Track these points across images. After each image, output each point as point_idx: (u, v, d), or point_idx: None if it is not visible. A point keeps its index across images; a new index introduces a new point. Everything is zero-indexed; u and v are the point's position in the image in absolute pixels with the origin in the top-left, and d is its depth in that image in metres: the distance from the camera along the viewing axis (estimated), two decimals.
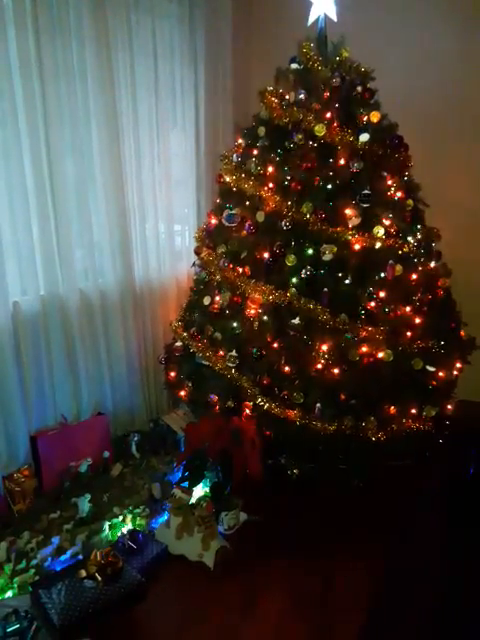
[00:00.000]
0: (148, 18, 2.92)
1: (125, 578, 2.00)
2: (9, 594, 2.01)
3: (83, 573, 1.95)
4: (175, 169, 3.28)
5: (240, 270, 2.60)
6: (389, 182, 2.50)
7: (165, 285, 3.30)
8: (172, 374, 2.97)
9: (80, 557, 2.15)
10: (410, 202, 2.56)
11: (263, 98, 2.66)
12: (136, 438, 2.91)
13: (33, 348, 2.62)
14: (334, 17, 2.57)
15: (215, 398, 2.65)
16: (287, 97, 2.57)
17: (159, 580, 2.13)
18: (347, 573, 2.18)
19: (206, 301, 2.79)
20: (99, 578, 1.94)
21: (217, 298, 2.72)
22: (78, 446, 2.71)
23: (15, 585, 2.03)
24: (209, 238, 2.85)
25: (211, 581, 2.13)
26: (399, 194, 2.50)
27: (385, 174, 2.51)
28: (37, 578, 2.06)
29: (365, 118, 2.48)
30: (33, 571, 2.08)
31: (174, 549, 2.25)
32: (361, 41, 2.61)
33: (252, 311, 2.55)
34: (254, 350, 2.50)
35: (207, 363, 2.70)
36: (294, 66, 2.62)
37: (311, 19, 2.63)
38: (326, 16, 2.60)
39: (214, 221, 2.83)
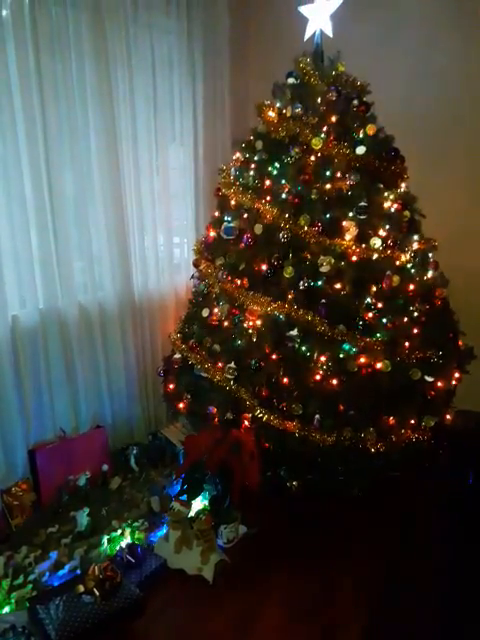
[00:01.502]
0: (146, 33, 2.96)
1: (123, 593, 1.98)
2: (6, 610, 1.99)
3: (81, 588, 1.93)
4: (174, 182, 3.31)
5: (238, 282, 2.61)
6: (385, 194, 2.51)
7: (164, 297, 3.31)
8: (171, 386, 2.96)
9: (78, 572, 2.14)
10: (407, 213, 2.58)
11: (260, 112, 2.68)
12: (135, 451, 2.90)
13: (32, 361, 2.62)
14: (330, 33, 2.61)
15: (214, 410, 2.64)
16: (284, 111, 2.60)
17: (158, 594, 2.11)
18: (347, 586, 2.17)
19: (205, 313, 2.79)
20: (97, 593, 1.92)
21: (216, 310, 2.72)
22: (77, 459, 2.70)
23: (12, 601, 2.01)
24: (208, 250, 2.86)
25: (210, 595, 2.11)
26: (395, 206, 2.52)
27: (381, 186, 2.53)
28: (34, 593, 2.04)
29: (361, 131, 2.50)
30: (31, 586, 2.07)
31: (173, 563, 2.23)
32: (357, 55, 2.64)
33: (250, 323, 2.55)
34: (253, 362, 2.50)
35: (206, 375, 2.69)
36: (291, 80, 2.65)
37: (307, 34, 2.66)
38: (322, 31, 2.64)
39: (212, 234, 2.85)
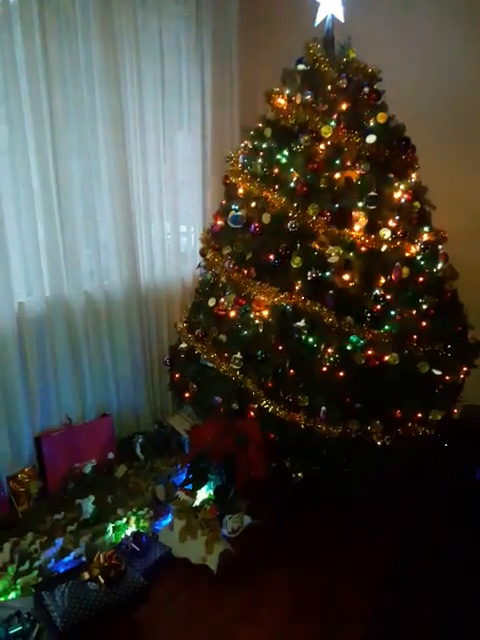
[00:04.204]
0: (155, 18, 2.91)
1: (128, 581, 1.99)
2: (12, 596, 2.01)
3: (86, 575, 1.95)
4: (181, 170, 3.28)
5: (245, 271, 2.59)
6: (396, 184, 2.47)
7: (170, 286, 3.30)
8: (177, 375, 2.96)
9: (83, 559, 2.15)
10: (417, 204, 2.53)
11: (269, 99, 2.64)
12: (140, 440, 2.91)
13: (38, 349, 2.62)
14: (341, 18, 2.56)
15: (220, 400, 2.64)
16: (294, 98, 2.55)
17: (162, 583, 2.13)
18: (350, 576, 2.17)
19: (211, 303, 2.78)
20: (102, 580, 1.93)
21: (222, 300, 2.71)
22: (82, 447, 2.71)
23: (18, 587, 2.03)
24: (215, 239, 2.84)
25: (214, 584, 2.12)
26: (406, 196, 2.48)
27: (392, 176, 2.49)
28: (40, 580, 2.06)
29: (372, 119, 2.46)
30: (36, 573, 2.09)
31: (177, 552, 2.24)
32: (368, 42, 2.59)
33: (257, 313, 2.54)
34: (259, 352, 2.48)
35: (212, 365, 2.69)
36: (301, 67, 2.60)
37: (318, 20, 2.60)
38: (333, 17, 2.58)
39: (220, 222, 2.82)
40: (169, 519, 2.38)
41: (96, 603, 1.90)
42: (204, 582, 2.13)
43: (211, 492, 2.53)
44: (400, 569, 2.23)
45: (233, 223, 2.65)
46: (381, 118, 2.46)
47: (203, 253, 2.90)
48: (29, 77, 2.37)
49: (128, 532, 2.32)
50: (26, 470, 2.54)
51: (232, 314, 2.66)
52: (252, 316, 2.56)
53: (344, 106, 2.47)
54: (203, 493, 2.54)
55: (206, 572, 2.15)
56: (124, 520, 2.38)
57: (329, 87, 2.50)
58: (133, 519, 2.40)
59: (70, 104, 2.57)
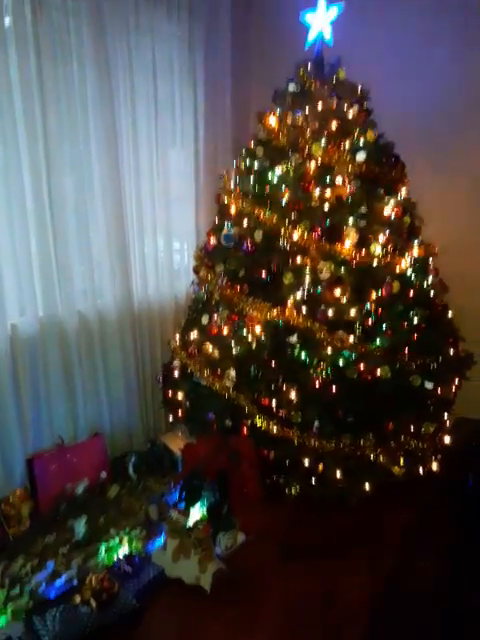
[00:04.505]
0: (148, 38, 2.96)
1: (120, 603, 1.96)
2: (2, 621, 1.96)
3: (78, 599, 1.92)
4: (174, 188, 3.30)
5: (238, 288, 2.60)
6: (386, 200, 2.51)
7: (163, 304, 3.30)
8: (170, 393, 2.95)
9: (75, 582, 2.11)
10: (407, 219, 2.57)
11: (261, 119, 2.68)
12: (133, 459, 2.87)
13: (30, 369, 2.60)
14: (331, 40, 2.62)
15: (213, 417, 2.63)
16: (285, 118, 2.59)
17: (155, 604, 2.08)
18: (347, 593, 2.14)
19: (204, 320, 2.78)
20: (94, 604, 1.90)
21: (215, 317, 2.71)
22: (75, 467, 2.67)
23: (9, 611, 1.98)
24: (208, 257, 2.86)
25: (208, 604, 2.08)
26: (396, 211, 2.51)
27: (382, 192, 2.53)
28: (31, 604, 2.01)
29: (362, 138, 2.50)
30: (27, 597, 2.04)
31: (171, 572, 2.21)
32: (357, 62, 2.64)
33: (250, 329, 2.54)
34: (252, 368, 2.48)
35: (205, 382, 2.68)
36: (291, 87, 2.66)
37: (308, 41, 2.67)
38: (323, 39, 2.64)
39: (213, 240, 2.84)
40: (162, 539, 2.35)
41: (88, 627, 1.86)
42: (198, 602, 2.09)
43: (204, 511, 2.50)
44: (397, 578, 2.21)
45: (226, 241, 2.67)
46: (371, 136, 2.50)
47: (196, 270, 2.91)
48: (23, 95, 2.38)
49: (121, 553, 2.28)
50: (18, 492, 2.50)
51: (225, 331, 2.66)
52: (245, 332, 2.56)
53: (334, 125, 2.51)
54: (196, 512, 2.51)
55: (200, 592, 2.12)
56: (117, 541, 2.34)
57: (319, 106, 2.55)
58: (126, 540, 2.36)
59: (64, 122, 2.59)
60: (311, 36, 2.66)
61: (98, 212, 2.82)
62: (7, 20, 2.32)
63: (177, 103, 3.25)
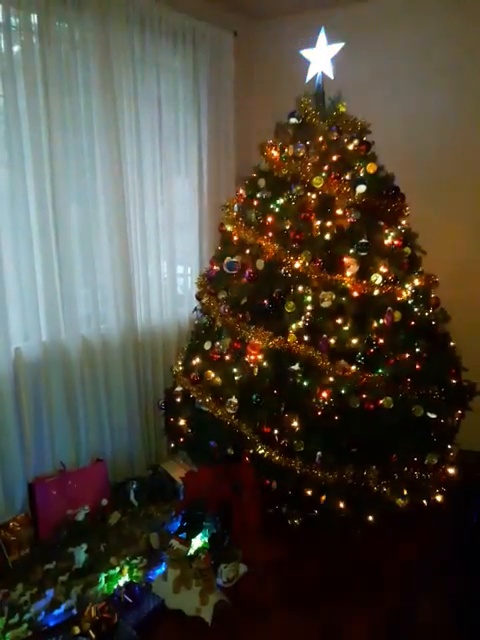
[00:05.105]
0: (153, 71, 3.05)
1: (120, 634, 1.94)
2: None
3: (77, 630, 1.90)
4: (178, 216, 3.36)
5: (240, 316, 2.63)
6: (386, 231, 2.55)
7: (167, 329, 3.32)
8: (172, 420, 2.96)
9: (74, 611, 2.10)
10: (407, 250, 2.61)
11: (263, 151, 2.75)
12: (135, 485, 2.86)
13: (33, 394, 2.62)
14: (331, 75, 2.69)
15: (215, 445, 2.63)
16: (286, 150, 2.66)
17: (155, 636, 2.06)
18: (349, 625, 2.12)
19: (207, 346, 2.81)
20: (93, 635, 1.88)
21: (217, 343, 2.74)
22: (76, 493, 2.67)
23: None
24: (210, 284, 2.89)
25: (209, 637, 2.06)
26: (396, 242, 2.55)
27: (382, 223, 2.57)
28: (30, 634, 2.00)
29: (362, 170, 2.55)
30: (26, 626, 2.02)
31: (171, 603, 2.19)
32: (357, 96, 2.72)
33: (252, 357, 2.56)
34: (254, 396, 2.49)
35: (207, 409, 2.69)
36: (293, 120, 2.72)
37: (309, 76, 2.74)
38: (323, 73, 2.72)
39: (216, 268, 2.88)
40: (163, 568, 2.33)
41: None
42: (199, 635, 2.07)
43: (206, 540, 2.49)
44: (401, 612, 2.19)
45: (228, 269, 2.71)
46: (371, 168, 2.55)
47: (199, 297, 2.95)
48: (31, 124, 2.45)
49: (121, 582, 2.26)
50: (18, 518, 2.49)
51: (227, 358, 2.68)
52: (247, 360, 2.58)
53: (335, 157, 2.57)
54: (198, 541, 2.49)
55: (201, 624, 2.10)
56: (117, 570, 2.33)
57: (320, 139, 2.62)
58: (126, 568, 2.34)
59: (70, 150, 2.65)
60: (311, 72, 2.73)
61: (102, 237, 2.87)
62: (15, 48, 2.38)
63: (181, 133, 3.32)
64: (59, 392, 2.71)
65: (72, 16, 2.57)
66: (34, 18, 2.41)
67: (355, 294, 2.45)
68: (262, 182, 2.71)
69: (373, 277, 2.44)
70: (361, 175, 2.54)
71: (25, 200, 2.47)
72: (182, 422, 2.88)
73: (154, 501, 2.85)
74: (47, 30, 2.44)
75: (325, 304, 2.43)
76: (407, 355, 2.49)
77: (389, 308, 2.45)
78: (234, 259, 2.71)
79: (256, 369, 2.56)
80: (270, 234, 2.59)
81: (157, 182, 3.15)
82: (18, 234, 2.49)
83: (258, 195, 2.72)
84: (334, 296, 2.42)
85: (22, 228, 2.48)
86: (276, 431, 2.47)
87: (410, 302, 2.57)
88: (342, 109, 2.67)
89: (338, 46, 2.66)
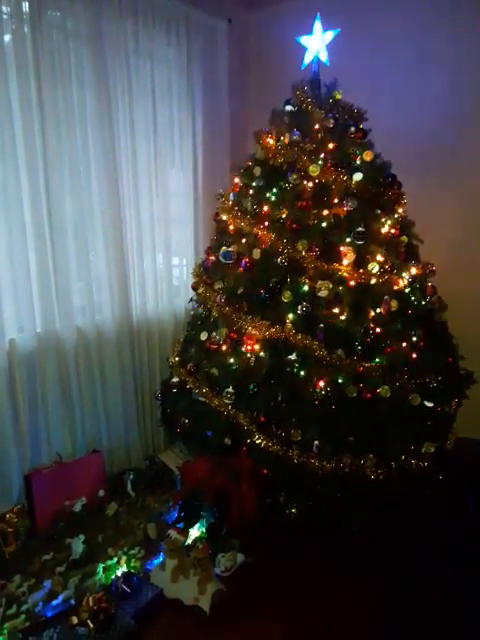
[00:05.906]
0: (147, 61, 3.01)
1: (118, 624, 1.94)
2: None
3: (75, 620, 1.90)
4: (173, 207, 3.34)
5: (237, 306, 2.61)
6: (383, 219, 2.53)
7: (163, 320, 3.31)
8: (168, 410, 2.95)
9: (72, 602, 2.10)
10: (404, 238, 2.59)
11: (259, 139, 2.72)
12: (132, 476, 2.86)
13: (28, 385, 2.61)
14: (327, 62, 2.67)
15: (212, 435, 2.62)
16: (282, 138, 2.63)
17: (153, 626, 2.07)
18: (347, 614, 2.13)
19: (203, 337, 2.79)
20: (91, 625, 1.88)
21: (214, 334, 2.72)
22: (73, 484, 2.67)
23: (5, 631, 1.97)
24: (206, 274, 2.88)
25: (207, 626, 2.06)
26: (393, 231, 2.54)
27: (379, 212, 2.55)
28: (27, 625, 2.00)
29: (358, 158, 2.53)
30: (24, 617, 2.03)
31: (169, 593, 2.19)
32: (354, 83, 2.69)
33: (249, 347, 2.55)
34: (251, 386, 2.48)
35: (204, 399, 2.68)
36: (289, 108, 2.70)
37: (305, 63, 2.71)
38: (319, 60, 2.69)
39: (211, 258, 2.86)
40: (161, 558, 2.33)
41: None
42: (197, 624, 2.07)
43: (203, 530, 2.49)
44: (398, 601, 2.19)
45: (224, 259, 2.69)
46: (367, 156, 2.53)
47: (195, 288, 2.93)
48: (23, 117, 2.42)
49: (119, 573, 2.26)
50: (15, 509, 2.49)
51: (224, 348, 2.67)
52: (244, 350, 2.57)
53: (331, 145, 2.55)
54: (195, 531, 2.49)
55: (199, 613, 2.10)
56: (115, 560, 2.33)
57: (316, 127, 2.59)
58: (124, 559, 2.34)
59: (63, 144, 2.62)
60: (307, 59, 2.70)
61: (97, 228, 2.84)
62: (7, 37, 2.35)
63: (176, 124, 3.29)
64: (54, 383, 2.70)
65: (64, 4, 2.54)
66: (25, 6, 2.38)
67: (352, 283, 2.43)
68: (258, 170, 2.69)
69: (370, 266, 2.43)
70: (358, 163, 2.52)
71: (18, 192, 2.44)
72: (179, 412, 2.87)
73: (151, 491, 2.85)
74: (39, 18, 2.40)
75: (322, 293, 2.41)
76: (404, 344, 2.48)
77: (386, 297, 2.44)
78: (230, 249, 2.69)
79: (253, 359, 2.55)
80: (266, 223, 2.56)
81: (151, 173, 3.12)
82: (12, 226, 2.47)
83: (254, 184, 2.69)
84: (331, 285, 2.40)
85: (15, 220, 2.46)
86: (273, 420, 2.46)
87: (407, 291, 2.56)
88: (338, 96, 2.65)
89: (333, 33, 2.63)
